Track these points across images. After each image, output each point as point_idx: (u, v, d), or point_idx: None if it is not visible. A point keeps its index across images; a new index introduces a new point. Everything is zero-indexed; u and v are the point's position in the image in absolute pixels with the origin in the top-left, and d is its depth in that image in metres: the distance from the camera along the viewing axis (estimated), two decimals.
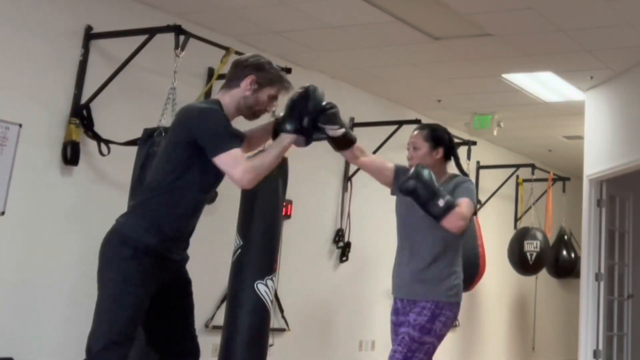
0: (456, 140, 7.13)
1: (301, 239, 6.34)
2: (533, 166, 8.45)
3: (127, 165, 4.42)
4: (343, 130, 3.18)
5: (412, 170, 3.28)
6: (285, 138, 3.02)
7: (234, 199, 5.03)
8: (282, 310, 6.02)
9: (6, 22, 4.48)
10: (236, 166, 2.82)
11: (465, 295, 8.13)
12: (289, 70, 5.07)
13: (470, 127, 7.55)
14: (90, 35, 4.81)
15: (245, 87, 2.99)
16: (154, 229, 2.83)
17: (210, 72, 5.31)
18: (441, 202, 3.20)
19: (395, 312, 3.51)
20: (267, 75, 3.02)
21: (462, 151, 7.12)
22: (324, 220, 6.65)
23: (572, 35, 5.29)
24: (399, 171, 3.55)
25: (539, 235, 8.08)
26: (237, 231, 4.90)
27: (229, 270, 4.92)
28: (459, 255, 3.50)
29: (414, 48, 5.75)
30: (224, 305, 5.08)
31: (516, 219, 9.02)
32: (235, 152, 2.84)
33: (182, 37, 4.47)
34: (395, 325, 3.48)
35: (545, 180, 8.47)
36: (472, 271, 6.88)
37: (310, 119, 3.05)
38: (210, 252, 5.56)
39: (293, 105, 3.05)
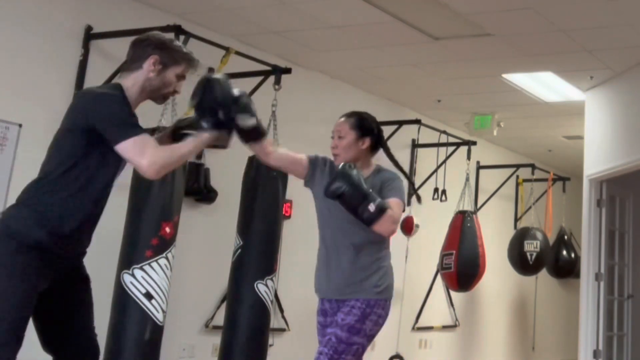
0: (456, 141, 7.21)
1: (301, 239, 6.33)
2: (533, 166, 8.45)
3: (126, 165, 4.42)
4: (254, 120, 2.90)
5: (338, 169, 3.06)
6: (204, 135, 2.78)
7: (234, 199, 5.03)
8: (282, 310, 6.02)
9: (6, 22, 4.49)
10: (143, 154, 2.60)
11: (465, 295, 8.20)
12: (288, 70, 5.07)
13: (470, 127, 7.55)
14: (90, 35, 4.81)
15: (148, 68, 2.75)
16: (44, 224, 2.60)
17: (210, 72, 5.31)
18: (372, 207, 2.98)
19: (323, 313, 3.28)
20: (171, 53, 2.78)
21: (462, 151, 7.15)
22: None
23: (572, 35, 5.29)
24: (314, 162, 3.34)
25: (539, 235, 8.08)
26: (237, 231, 4.91)
27: (229, 270, 4.92)
28: (386, 248, 3.26)
29: (414, 48, 5.75)
30: (224, 305, 5.08)
31: (516, 219, 9.03)
32: (141, 139, 2.62)
33: (182, 37, 4.47)
34: (323, 327, 3.25)
35: (545, 180, 8.47)
36: (472, 271, 6.89)
37: (225, 109, 2.77)
38: (210, 252, 5.56)
39: (200, 98, 2.79)
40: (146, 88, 2.79)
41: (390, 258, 3.29)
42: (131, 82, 2.77)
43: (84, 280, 2.85)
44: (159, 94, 2.84)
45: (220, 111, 2.77)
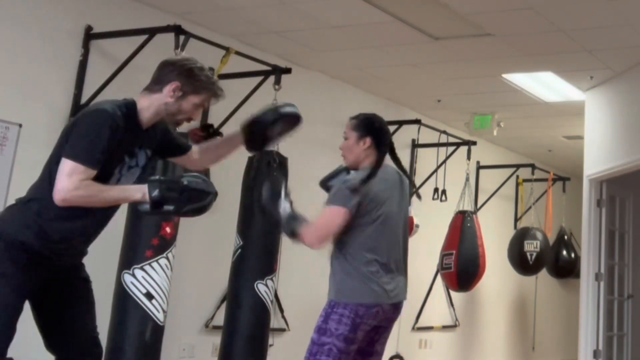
0: (456, 141, 7.21)
1: None
2: (533, 166, 8.45)
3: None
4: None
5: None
6: (137, 192, 2.69)
7: (234, 199, 5.03)
8: (282, 310, 6.02)
9: (6, 22, 4.48)
10: (69, 177, 2.54)
11: (465, 295, 8.19)
12: (288, 70, 5.07)
13: (470, 127, 7.55)
14: (90, 35, 4.81)
15: (167, 93, 2.74)
16: (30, 225, 2.63)
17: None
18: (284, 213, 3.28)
19: None
20: (194, 82, 2.75)
21: (462, 151, 7.15)
22: None
23: (572, 35, 5.29)
24: None
25: (539, 235, 8.08)
26: (237, 231, 4.91)
27: (229, 270, 4.92)
28: (349, 253, 3.24)
29: (414, 48, 5.75)
30: (224, 305, 5.09)
31: (516, 219, 9.03)
32: (80, 168, 2.55)
33: (182, 37, 4.47)
34: None
35: (545, 180, 8.47)
36: (472, 271, 6.90)
37: (175, 211, 2.73)
38: (210, 252, 5.56)
39: (184, 189, 2.70)
40: (161, 112, 2.78)
41: (360, 262, 3.21)
42: (147, 104, 2.77)
43: (84, 280, 2.87)
44: (173, 119, 2.83)
45: (171, 207, 2.70)
